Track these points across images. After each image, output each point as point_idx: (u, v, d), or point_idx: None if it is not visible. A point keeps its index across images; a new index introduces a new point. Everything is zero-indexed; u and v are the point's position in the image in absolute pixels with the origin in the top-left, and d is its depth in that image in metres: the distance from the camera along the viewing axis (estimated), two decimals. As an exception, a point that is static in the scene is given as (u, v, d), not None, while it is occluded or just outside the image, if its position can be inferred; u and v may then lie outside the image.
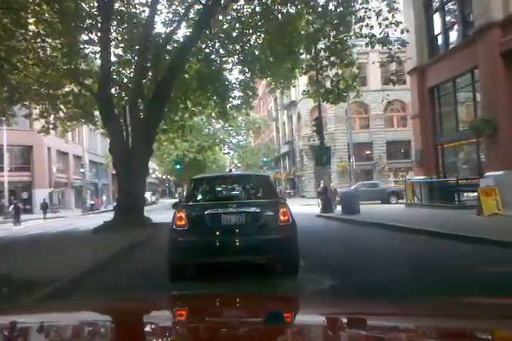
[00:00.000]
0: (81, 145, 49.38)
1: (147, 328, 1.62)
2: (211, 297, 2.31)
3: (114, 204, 41.42)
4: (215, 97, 19.87)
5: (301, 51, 17.59)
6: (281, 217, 5.98)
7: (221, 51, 19.14)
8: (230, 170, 54.81)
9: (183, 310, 1.94)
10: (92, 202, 41.93)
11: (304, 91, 17.55)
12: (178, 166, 41.49)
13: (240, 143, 42.97)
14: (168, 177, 67.59)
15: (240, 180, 7.93)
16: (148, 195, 64.22)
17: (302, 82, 42.46)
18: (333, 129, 39.55)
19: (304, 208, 26.94)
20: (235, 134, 41.19)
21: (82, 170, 38.74)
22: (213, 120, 40.43)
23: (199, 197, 6.99)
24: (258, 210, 6.06)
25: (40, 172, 39.50)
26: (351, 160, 35.72)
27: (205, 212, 6.00)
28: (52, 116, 20.76)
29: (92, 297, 4.81)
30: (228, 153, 45.63)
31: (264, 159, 42.29)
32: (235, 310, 1.88)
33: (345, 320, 1.60)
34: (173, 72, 15.44)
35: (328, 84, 17.62)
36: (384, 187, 32.53)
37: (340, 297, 3.95)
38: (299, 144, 44.37)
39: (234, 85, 20.39)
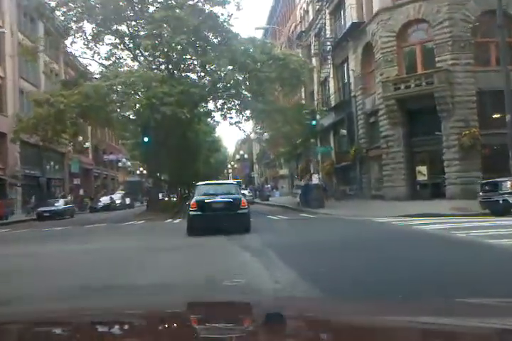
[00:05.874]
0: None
1: (146, 331, 1.60)
2: (210, 301, 2.32)
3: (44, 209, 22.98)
4: None
5: None
6: (242, 204, 12.05)
7: None
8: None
9: (184, 312, 1.97)
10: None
11: None
12: (145, 139, 22.31)
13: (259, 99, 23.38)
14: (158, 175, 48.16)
15: (222, 184, 14.85)
16: (117, 196, 43.91)
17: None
18: (448, 63, 20.20)
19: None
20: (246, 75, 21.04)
21: None
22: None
23: (202, 193, 12.67)
24: (231, 200, 12.09)
25: None
26: (508, 119, 16.62)
27: (205, 201, 12.10)
28: None
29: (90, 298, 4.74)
30: (238, 122, 25.52)
31: (313, 122, 22.85)
32: (235, 312, 1.89)
33: (345, 320, 1.60)
34: None
35: None
36: None
37: (340, 297, 4.03)
38: (365, 103, 25.03)
39: None
